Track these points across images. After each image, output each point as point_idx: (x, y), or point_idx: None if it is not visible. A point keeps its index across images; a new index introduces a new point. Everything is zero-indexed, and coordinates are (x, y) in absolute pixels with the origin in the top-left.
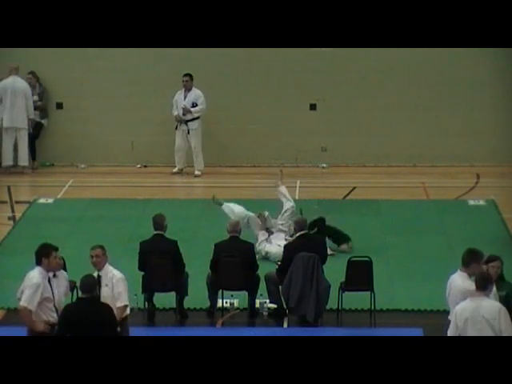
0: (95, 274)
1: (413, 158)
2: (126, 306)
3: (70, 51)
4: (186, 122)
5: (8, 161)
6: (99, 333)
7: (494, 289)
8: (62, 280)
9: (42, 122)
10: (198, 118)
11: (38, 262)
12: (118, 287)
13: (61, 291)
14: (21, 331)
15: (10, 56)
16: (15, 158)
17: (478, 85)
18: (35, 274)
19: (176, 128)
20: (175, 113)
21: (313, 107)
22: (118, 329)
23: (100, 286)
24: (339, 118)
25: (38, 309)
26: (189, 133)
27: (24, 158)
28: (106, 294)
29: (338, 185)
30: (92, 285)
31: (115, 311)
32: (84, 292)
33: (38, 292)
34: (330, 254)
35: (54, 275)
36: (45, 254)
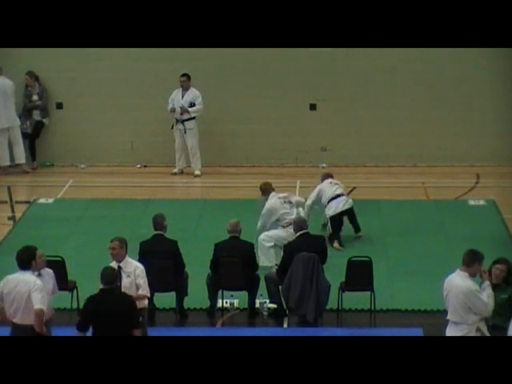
0: (115, 266)
1: (413, 158)
2: (145, 297)
3: (70, 51)
4: (183, 121)
5: (5, 161)
6: (121, 322)
7: (491, 291)
8: (47, 278)
9: (43, 120)
10: (194, 117)
11: (27, 267)
12: (140, 277)
13: (47, 289)
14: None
15: (9, 56)
16: (12, 157)
17: (478, 85)
18: (34, 277)
19: (172, 128)
20: (170, 106)
21: (313, 107)
22: (141, 318)
23: (121, 278)
24: (339, 118)
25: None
26: (185, 132)
27: (21, 156)
28: (127, 285)
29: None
30: (112, 276)
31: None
32: (105, 283)
33: (45, 294)
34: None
35: (39, 274)
36: (33, 257)
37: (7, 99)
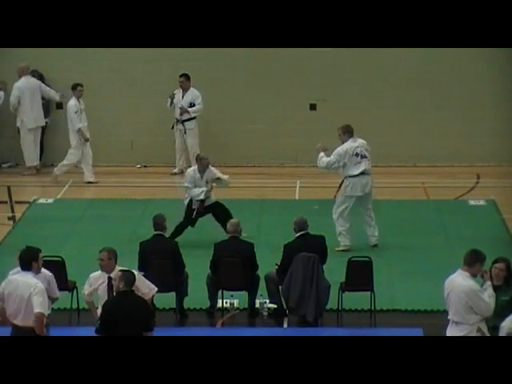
0: (105, 277)
1: (413, 158)
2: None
3: (70, 51)
4: (183, 121)
5: (35, 161)
6: (136, 324)
7: (492, 291)
8: (42, 279)
9: (45, 120)
10: (194, 117)
11: (28, 267)
12: (141, 283)
13: None
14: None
15: (9, 56)
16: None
17: (479, 85)
18: (35, 280)
19: (172, 128)
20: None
21: (313, 107)
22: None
23: (112, 288)
24: (339, 118)
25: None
26: (185, 133)
27: (37, 157)
28: None
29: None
30: (133, 279)
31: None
32: (126, 286)
33: (47, 297)
34: None
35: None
36: (35, 258)
37: (35, 99)
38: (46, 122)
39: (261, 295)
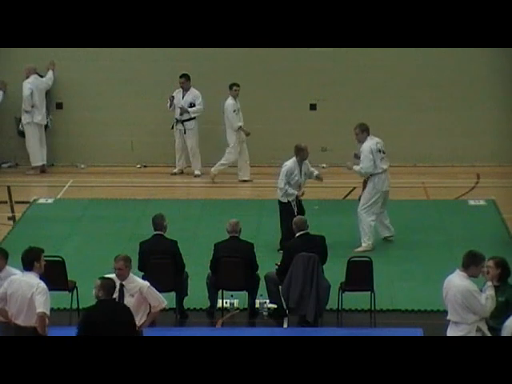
0: (117, 281)
1: (413, 158)
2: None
3: (70, 51)
4: (183, 121)
5: (39, 161)
6: (119, 333)
7: (491, 292)
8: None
9: (46, 120)
10: (194, 118)
11: (30, 267)
12: (150, 295)
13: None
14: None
15: (9, 56)
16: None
17: (479, 85)
18: (38, 279)
19: (172, 128)
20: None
21: (313, 107)
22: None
23: (123, 295)
24: (339, 118)
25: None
26: (185, 133)
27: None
28: (130, 304)
29: (338, 185)
30: (112, 287)
31: (149, 316)
32: (106, 295)
33: (49, 297)
34: None
35: None
36: (36, 258)
37: (42, 97)
38: (47, 122)
39: (261, 295)
